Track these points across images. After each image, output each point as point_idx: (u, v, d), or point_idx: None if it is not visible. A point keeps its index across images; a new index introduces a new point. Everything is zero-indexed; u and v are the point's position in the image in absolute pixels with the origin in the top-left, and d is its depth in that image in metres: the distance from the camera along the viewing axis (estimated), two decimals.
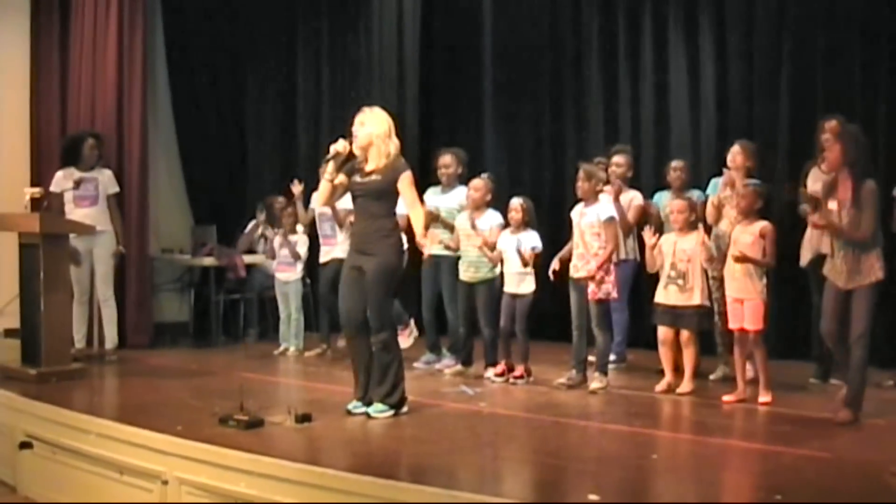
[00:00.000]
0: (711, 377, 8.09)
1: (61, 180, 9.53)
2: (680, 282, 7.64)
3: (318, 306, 10.22)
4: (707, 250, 7.57)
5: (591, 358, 7.98)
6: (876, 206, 6.42)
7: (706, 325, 7.78)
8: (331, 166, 6.93)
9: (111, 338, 9.65)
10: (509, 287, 8.28)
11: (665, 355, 7.71)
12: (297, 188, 9.92)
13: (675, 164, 8.82)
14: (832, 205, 6.53)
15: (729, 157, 8.11)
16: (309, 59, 12.54)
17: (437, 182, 8.96)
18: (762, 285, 7.22)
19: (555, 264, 8.05)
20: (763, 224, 7.27)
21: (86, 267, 9.52)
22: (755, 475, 5.61)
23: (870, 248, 6.42)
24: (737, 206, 7.56)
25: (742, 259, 7.15)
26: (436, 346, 9.09)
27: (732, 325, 7.35)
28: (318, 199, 7.09)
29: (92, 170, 9.64)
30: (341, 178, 6.94)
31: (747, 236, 7.26)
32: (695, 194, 8.49)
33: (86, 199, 9.52)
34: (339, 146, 6.91)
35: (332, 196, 7.14)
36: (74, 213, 9.39)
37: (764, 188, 7.60)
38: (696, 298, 7.58)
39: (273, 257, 10.30)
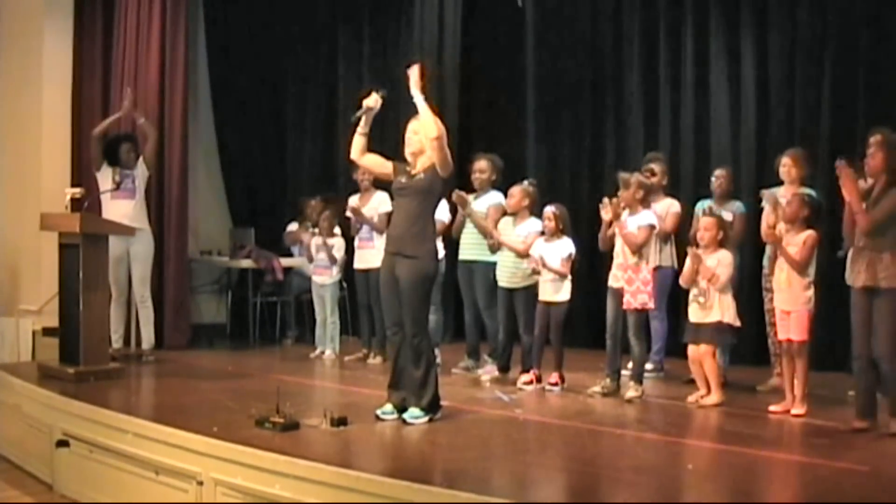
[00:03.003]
0: (759, 387, 8.02)
1: (102, 180, 9.62)
2: (701, 299, 7.58)
3: (357, 310, 10.20)
4: (706, 272, 7.53)
5: (627, 368, 7.95)
6: (893, 206, 6.37)
7: (727, 339, 7.72)
8: (363, 121, 6.99)
9: (148, 338, 9.70)
10: (544, 295, 8.26)
11: (696, 372, 7.66)
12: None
13: (717, 172, 8.76)
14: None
15: (782, 171, 8.03)
16: (350, 62, 12.57)
17: (471, 188, 8.93)
18: (808, 296, 7.17)
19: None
20: (808, 233, 7.21)
21: (123, 267, 9.57)
22: (792, 487, 5.57)
23: (888, 248, 6.38)
24: (783, 215, 7.51)
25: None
26: (475, 351, 9.07)
27: (781, 335, 7.30)
28: (353, 152, 7.06)
29: (127, 169, 9.71)
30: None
31: (792, 248, 7.20)
32: (735, 205, 8.44)
33: (124, 192, 9.58)
34: (371, 101, 6.96)
35: (365, 150, 7.13)
36: (112, 207, 9.47)
37: (815, 198, 7.50)
38: (714, 316, 7.51)
39: (311, 260, 10.30)
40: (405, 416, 6.69)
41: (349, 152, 7.15)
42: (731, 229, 8.09)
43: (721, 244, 7.67)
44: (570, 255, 8.16)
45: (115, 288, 9.47)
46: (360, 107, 6.99)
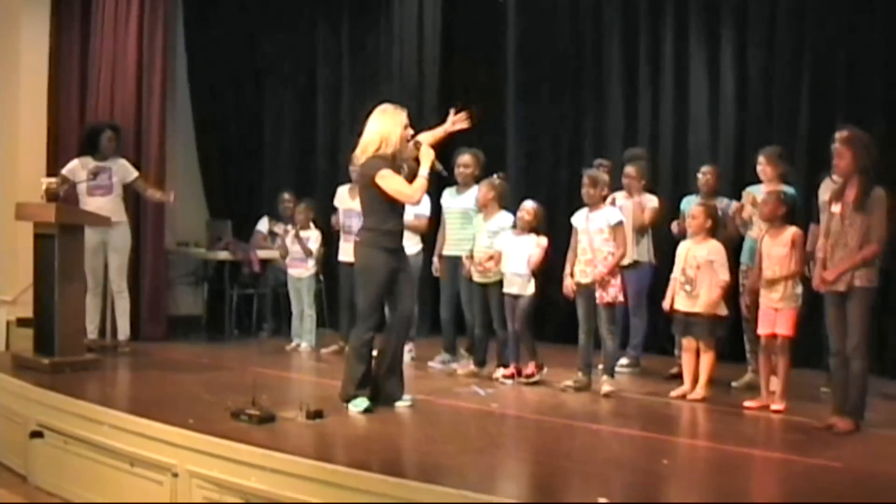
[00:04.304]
0: (734, 384, 8.06)
1: (77, 170, 9.52)
2: (688, 287, 7.63)
3: (336, 303, 10.18)
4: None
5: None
6: (887, 212, 6.39)
7: (719, 332, 7.73)
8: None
9: (123, 329, 9.66)
10: (509, 288, 8.27)
11: (688, 362, 7.69)
12: None
13: (704, 168, 8.76)
14: (835, 209, 6.51)
15: (759, 170, 8.07)
16: (329, 56, 12.53)
17: (454, 183, 8.94)
18: (797, 293, 7.21)
19: (569, 283, 8.01)
20: (792, 231, 7.23)
21: (100, 258, 9.52)
22: (766, 483, 5.59)
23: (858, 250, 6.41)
24: (760, 214, 7.53)
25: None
26: (452, 346, 9.08)
27: (762, 330, 7.32)
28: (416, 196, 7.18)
29: (107, 160, 9.65)
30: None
31: (779, 248, 7.22)
32: (723, 202, 8.46)
33: (100, 188, 9.51)
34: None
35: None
36: (89, 202, 9.42)
37: (790, 195, 7.54)
38: (700, 305, 7.56)
39: (285, 254, 10.29)
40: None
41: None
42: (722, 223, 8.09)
43: (711, 234, 7.70)
44: (539, 253, 8.17)
45: (92, 279, 9.42)
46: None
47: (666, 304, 7.83)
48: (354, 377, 6.92)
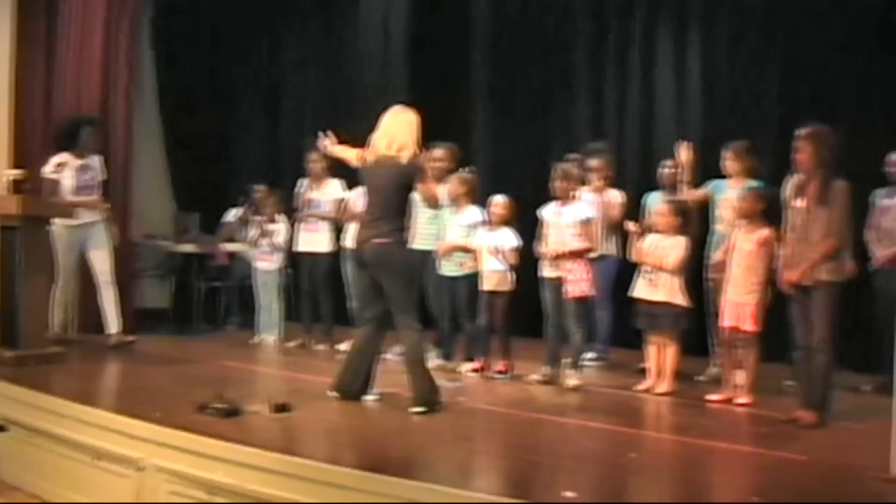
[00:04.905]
0: (699, 377, 8.09)
1: (63, 167, 9.27)
2: (651, 277, 7.66)
3: (301, 296, 10.18)
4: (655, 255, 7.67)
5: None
6: (847, 205, 6.44)
7: (684, 324, 7.75)
8: None
9: (116, 322, 9.55)
10: (487, 285, 8.28)
11: (652, 355, 7.72)
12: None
13: (667, 162, 8.79)
14: (798, 203, 6.55)
15: (725, 165, 8.10)
16: (294, 46, 12.53)
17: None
18: (763, 289, 7.24)
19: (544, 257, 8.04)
20: (764, 233, 7.26)
21: (75, 255, 9.36)
22: (733, 476, 5.62)
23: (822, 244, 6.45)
24: (737, 210, 7.56)
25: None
26: None
27: (725, 322, 7.36)
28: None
29: (85, 157, 9.42)
30: None
31: (748, 244, 7.26)
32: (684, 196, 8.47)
33: (89, 188, 9.35)
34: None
35: None
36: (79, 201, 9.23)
37: (769, 191, 7.56)
38: (662, 294, 7.59)
39: (255, 245, 10.25)
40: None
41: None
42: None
43: (680, 230, 7.72)
44: (516, 247, 8.19)
45: (64, 275, 9.31)
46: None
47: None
48: (429, 380, 6.92)
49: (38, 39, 10.89)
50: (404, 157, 6.89)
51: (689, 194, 8.25)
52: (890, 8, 8.68)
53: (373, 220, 6.92)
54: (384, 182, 6.93)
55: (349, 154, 7.34)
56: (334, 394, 6.95)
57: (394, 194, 6.93)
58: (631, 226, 8.10)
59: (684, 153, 8.28)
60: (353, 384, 6.99)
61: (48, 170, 9.23)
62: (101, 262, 9.46)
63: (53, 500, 6.49)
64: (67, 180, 9.25)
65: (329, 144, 7.69)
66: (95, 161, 9.52)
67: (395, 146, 6.91)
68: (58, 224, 8.92)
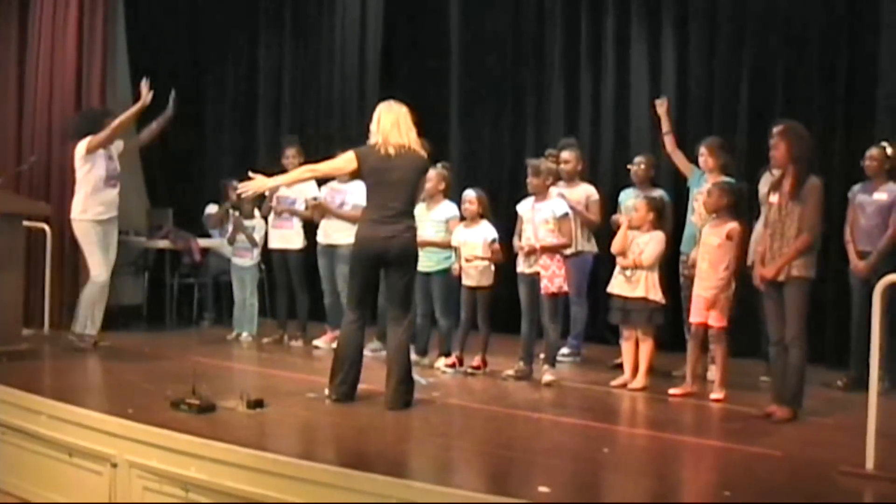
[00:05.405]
0: (675, 373, 8.08)
1: (93, 163, 9.08)
2: (628, 272, 7.68)
3: (276, 292, 10.16)
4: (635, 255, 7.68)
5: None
6: (821, 202, 6.48)
7: (658, 319, 7.76)
8: None
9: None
10: (468, 280, 8.28)
11: (627, 351, 7.74)
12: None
13: (637, 158, 8.85)
14: (774, 199, 6.58)
15: (700, 161, 8.11)
16: (271, 46, 12.50)
17: None
18: (729, 285, 7.27)
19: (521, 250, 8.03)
20: (732, 226, 7.29)
21: (106, 248, 9.21)
22: (706, 471, 5.65)
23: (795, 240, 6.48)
24: (704, 204, 7.59)
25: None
26: (385, 334, 9.01)
27: (692, 318, 7.40)
28: None
29: (108, 148, 9.25)
30: None
31: (714, 238, 7.30)
32: (658, 193, 8.49)
33: (115, 178, 9.22)
34: None
35: None
36: (109, 193, 9.13)
37: (735, 185, 7.59)
38: (640, 290, 7.61)
39: (233, 241, 10.20)
40: None
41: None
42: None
43: (655, 226, 7.74)
44: (493, 240, 8.20)
45: (102, 270, 9.10)
46: None
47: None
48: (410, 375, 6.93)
49: (9, 42, 10.83)
50: (419, 149, 6.88)
51: (672, 150, 8.33)
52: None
53: (397, 215, 6.75)
54: (407, 175, 6.81)
55: (335, 164, 7.31)
56: (334, 396, 6.87)
57: (414, 187, 6.94)
58: (620, 219, 8.12)
59: (660, 107, 8.49)
60: (353, 386, 6.94)
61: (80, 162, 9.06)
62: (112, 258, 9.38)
63: (28, 497, 6.46)
64: (99, 170, 9.08)
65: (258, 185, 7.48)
66: (114, 151, 9.35)
67: (411, 138, 6.84)
68: (87, 220, 8.89)
